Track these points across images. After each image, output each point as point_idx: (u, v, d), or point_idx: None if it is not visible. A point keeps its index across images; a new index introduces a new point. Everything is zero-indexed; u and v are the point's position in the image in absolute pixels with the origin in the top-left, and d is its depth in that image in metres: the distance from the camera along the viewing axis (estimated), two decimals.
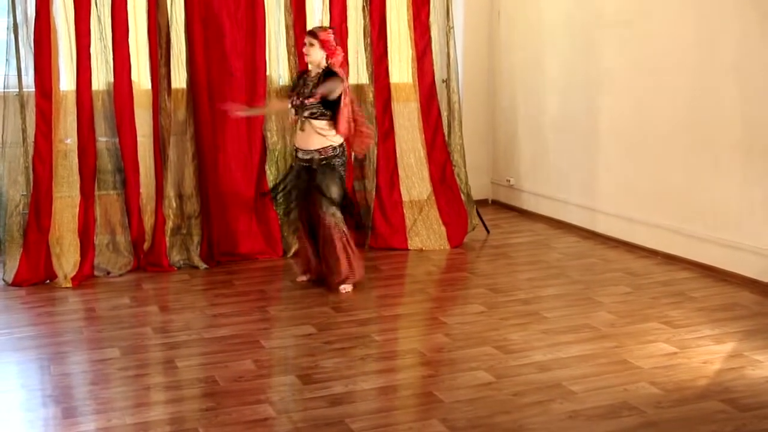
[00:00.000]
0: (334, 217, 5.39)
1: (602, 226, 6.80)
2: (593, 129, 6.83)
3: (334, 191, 5.40)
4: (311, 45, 5.33)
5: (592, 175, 6.91)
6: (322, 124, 5.34)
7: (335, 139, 5.38)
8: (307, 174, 5.43)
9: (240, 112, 5.83)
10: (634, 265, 6.03)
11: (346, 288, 5.44)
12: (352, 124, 5.44)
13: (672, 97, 6.00)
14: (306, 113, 5.34)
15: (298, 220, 5.71)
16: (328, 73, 5.32)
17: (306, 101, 5.31)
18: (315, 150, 5.36)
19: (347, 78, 5.57)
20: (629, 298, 5.28)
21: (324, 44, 5.32)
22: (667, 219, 6.14)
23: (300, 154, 5.45)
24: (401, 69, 6.79)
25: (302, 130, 5.38)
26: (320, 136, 5.35)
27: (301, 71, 5.72)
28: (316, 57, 5.34)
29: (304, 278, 5.72)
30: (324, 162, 5.37)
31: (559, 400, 3.81)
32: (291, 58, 6.35)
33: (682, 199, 5.99)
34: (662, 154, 6.13)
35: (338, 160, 5.41)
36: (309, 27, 6.39)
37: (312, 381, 4.06)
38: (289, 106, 5.44)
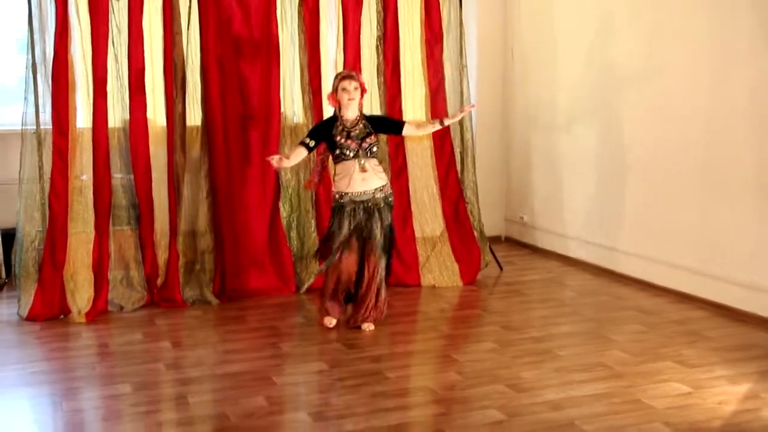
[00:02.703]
0: (381, 258, 5.42)
1: (615, 264, 6.78)
2: (607, 167, 6.84)
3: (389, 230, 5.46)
4: (356, 89, 5.32)
5: (605, 213, 6.90)
6: (376, 162, 5.42)
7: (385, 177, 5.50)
8: (365, 214, 5.35)
9: (284, 163, 5.35)
10: (648, 303, 6.00)
11: (370, 326, 5.43)
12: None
13: (687, 137, 6.00)
14: (368, 154, 5.31)
15: (343, 264, 5.42)
16: (372, 116, 5.55)
17: (367, 140, 5.31)
18: (378, 189, 5.35)
19: None
20: (643, 336, 5.25)
21: (362, 87, 5.38)
22: (681, 258, 6.11)
23: (356, 197, 5.31)
24: (415, 106, 6.84)
25: (364, 171, 5.30)
26: (380, 174, 5.40)
27: (324, 120, 5.60)
28: (359, 100, 5.37)
29: (334, 321, 5.55)
30: (389, 200, 5.42)
31: None
32: (305, 96, 6.40)
33: (696, 238, 5.97)
34: (677, 193, 6.12)
35: (392, 196, 5.50)
36: (323, 66, 6.47)
37: (323, 418, 4.05)
38: (348, 153, 5.28)
